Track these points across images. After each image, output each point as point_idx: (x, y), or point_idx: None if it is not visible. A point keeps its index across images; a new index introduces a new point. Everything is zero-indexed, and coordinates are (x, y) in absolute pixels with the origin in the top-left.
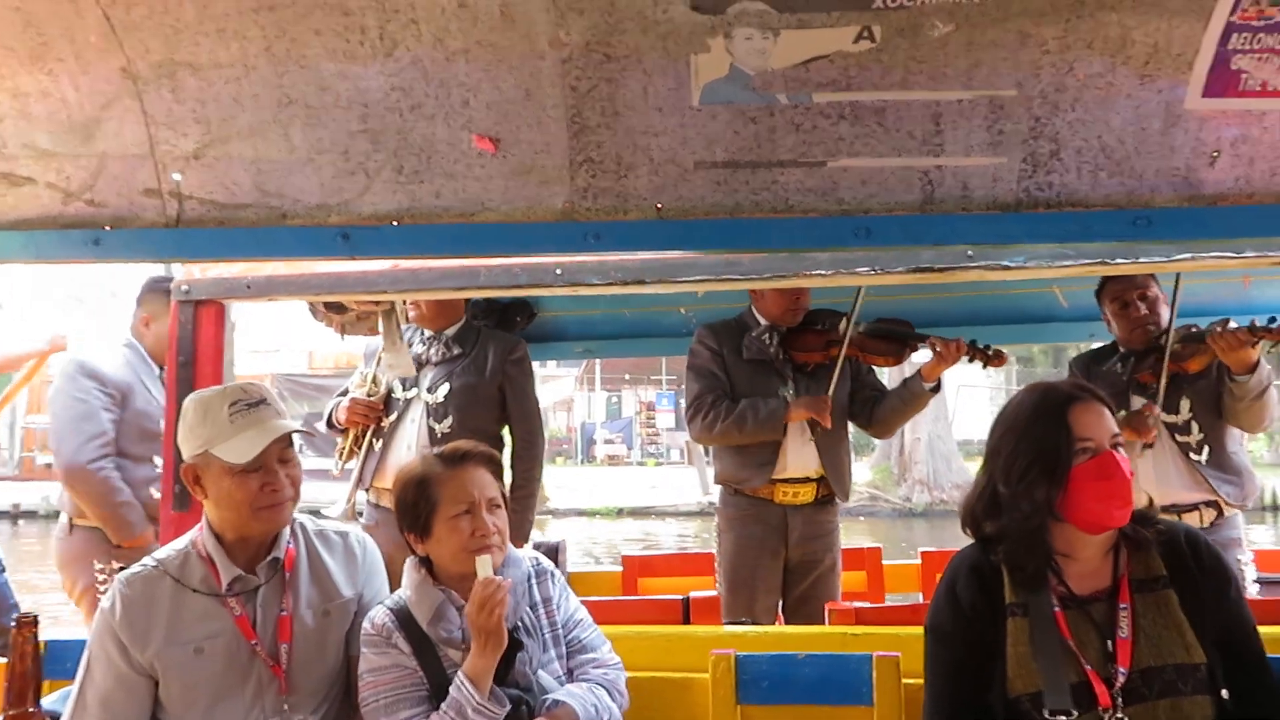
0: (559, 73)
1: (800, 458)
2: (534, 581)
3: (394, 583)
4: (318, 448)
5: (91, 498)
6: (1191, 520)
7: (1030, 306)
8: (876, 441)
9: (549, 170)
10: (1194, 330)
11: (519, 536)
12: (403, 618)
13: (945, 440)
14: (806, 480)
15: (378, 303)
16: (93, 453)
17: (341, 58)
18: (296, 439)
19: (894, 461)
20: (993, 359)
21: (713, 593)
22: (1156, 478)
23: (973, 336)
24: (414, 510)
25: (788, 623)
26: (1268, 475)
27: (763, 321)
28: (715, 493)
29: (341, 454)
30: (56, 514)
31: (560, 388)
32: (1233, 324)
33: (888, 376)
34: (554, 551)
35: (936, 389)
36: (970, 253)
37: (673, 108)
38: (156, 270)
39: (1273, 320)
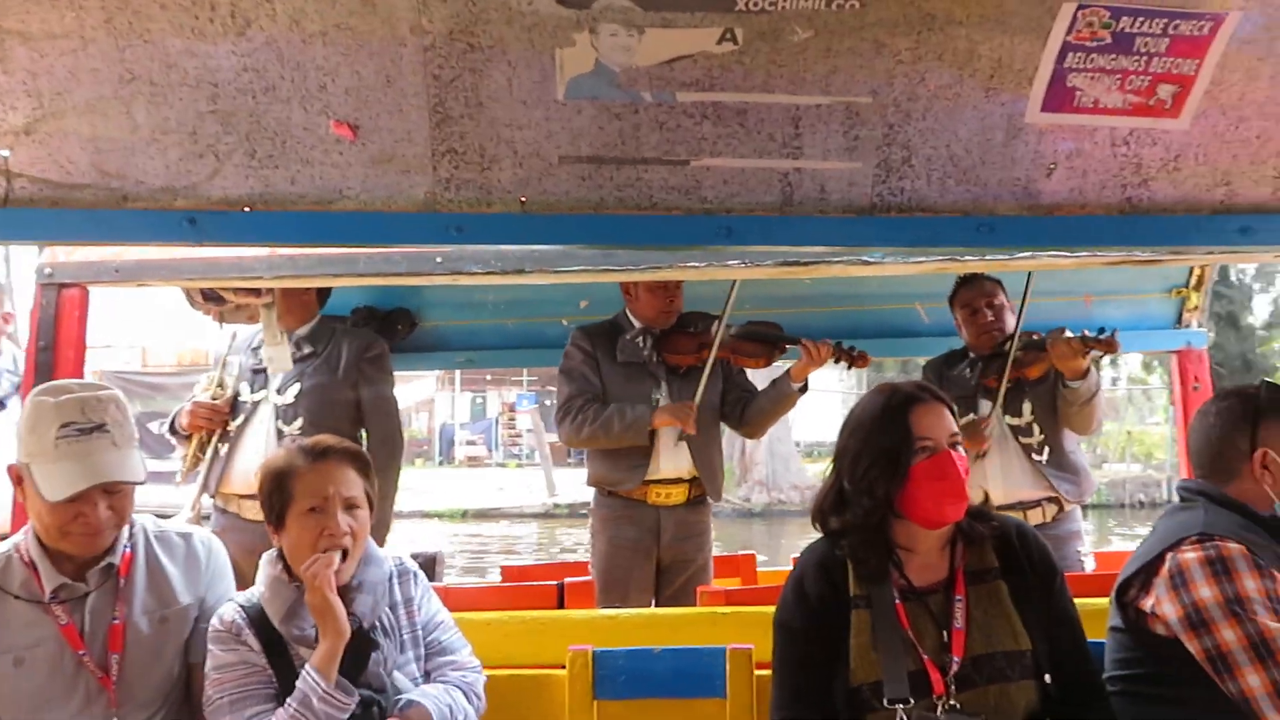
0: (421, 60)
1: (673, 459)
2: (395, 581)
3: (241, 588)
4: (149, 448)
5: None
6: (1034, 515)
7: (895, 321)
8: None
9: (410, 159)
10: (1035, 338)
11: (377, 538)
12: (254, 615)
13: (784, 442)
14: (679, 481)
15: (259, 294)
16: None
17: (189, 34)
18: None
19: (735, 463)
20: (857, 360)
21: (588, 577)
22: (1003, 476)
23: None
24: (269, 501)
25: None
26: None
27: (637, 324)
28: (560, 495)
29: (185, 460)
30: None
31: (421, 388)
32: (1068, 334)
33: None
34: (430, 563)
35: (804, 389)
36: (828, 255)
37: (538, 101)
38: None
39: (1102, 331)
